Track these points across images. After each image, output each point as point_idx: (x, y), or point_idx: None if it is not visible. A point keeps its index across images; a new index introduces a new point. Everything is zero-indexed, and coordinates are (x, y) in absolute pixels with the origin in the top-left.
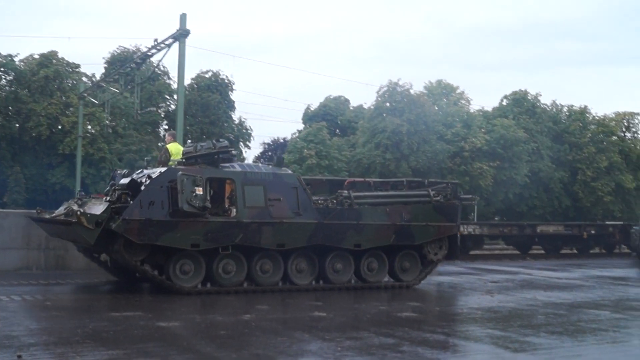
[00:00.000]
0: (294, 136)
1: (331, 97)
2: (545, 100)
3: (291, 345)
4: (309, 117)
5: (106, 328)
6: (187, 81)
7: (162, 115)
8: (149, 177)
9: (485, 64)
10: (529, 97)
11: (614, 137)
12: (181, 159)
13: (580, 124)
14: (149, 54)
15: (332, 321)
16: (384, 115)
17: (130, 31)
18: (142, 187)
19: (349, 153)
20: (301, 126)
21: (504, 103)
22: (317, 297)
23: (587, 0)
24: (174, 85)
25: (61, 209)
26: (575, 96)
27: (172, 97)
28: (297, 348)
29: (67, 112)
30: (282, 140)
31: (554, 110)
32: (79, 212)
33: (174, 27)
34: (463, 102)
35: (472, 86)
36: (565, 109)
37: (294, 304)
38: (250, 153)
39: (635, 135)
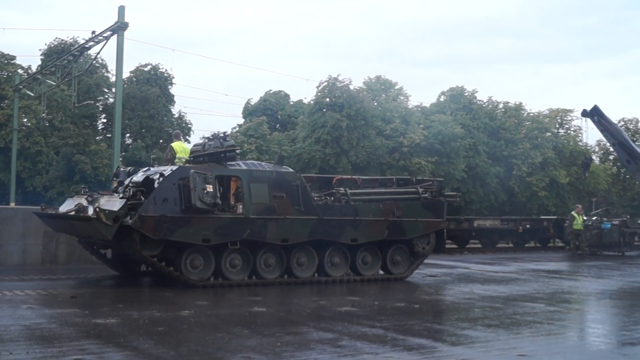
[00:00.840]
0: (234, 130)
1: (271, 92)
2: (482, 96)
3: (230, 341)
4: (249, 111)
5: (40, 325)
6: (125, 74)
7: (100, 109)
8: (162, 174)
9: (422, 60)
10: (466, 94)
11: (548, 134)
12: (189, 157)
13: (516, 121)
14: (87, 46)
15: (271, 316)
16: (324, 110)
17: (67, 23)
18: (156, 185)
19: (289, 148)
20: (241, 120)
21: (442, 99)
22: (257, 292)
23: None
24: (113, 79)
25: (68, 205)
26: (510, 93)
27: (111, 90)
28: (236, 344)
29: (2, 104)
30: (222, 135)
31: (490, 106)
32: (98, 209)
33: (112, 19)
34: (402, 98)
35: (410, 82)
36: (501, 106)
37: (233, 300)
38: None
39: (569, 131)
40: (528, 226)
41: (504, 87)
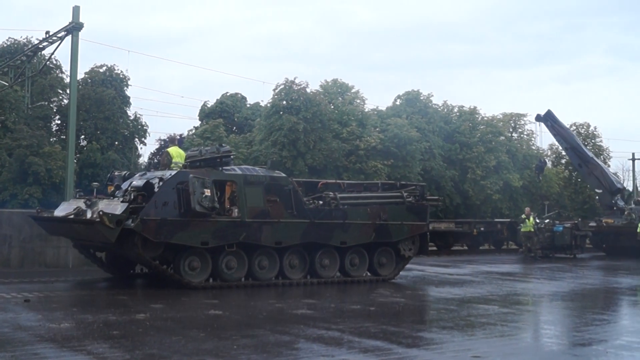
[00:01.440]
0: (191, 133)
1: (228, 94)
2: (437, 100)
3: (186, 344)
4: (206, 113)
5: None
6: (80, 75)
7: (55, 110)
8: (161, 179)
9: (378, 64)
10: (422, 98)
11: (502, 138)
12: (186, 162)
13: (470, 124)
14: (41, 46)
15: (228, 319)
16: (281, 113)
17: (21, 23)
18: (156, 189)
19: (246, 150)
20: (198, 123)
21: (398, 103)
22: (214, 295)
23: (473, 4)
24: (67, 80)
25: (65, 209)
26: (465, 97)
27: (65, 91)
28: (192, 347)
29: None
30: (178, 137)
31: (445, 110)
32: (101, 212)
33: (67, 19)
34: (358, 101)
35: (367, 86)
36: (455, 110)
37: (189, 303)
38: (146, 149)
39: (522, 135)
40: (482, 229)
41: (459, 92)
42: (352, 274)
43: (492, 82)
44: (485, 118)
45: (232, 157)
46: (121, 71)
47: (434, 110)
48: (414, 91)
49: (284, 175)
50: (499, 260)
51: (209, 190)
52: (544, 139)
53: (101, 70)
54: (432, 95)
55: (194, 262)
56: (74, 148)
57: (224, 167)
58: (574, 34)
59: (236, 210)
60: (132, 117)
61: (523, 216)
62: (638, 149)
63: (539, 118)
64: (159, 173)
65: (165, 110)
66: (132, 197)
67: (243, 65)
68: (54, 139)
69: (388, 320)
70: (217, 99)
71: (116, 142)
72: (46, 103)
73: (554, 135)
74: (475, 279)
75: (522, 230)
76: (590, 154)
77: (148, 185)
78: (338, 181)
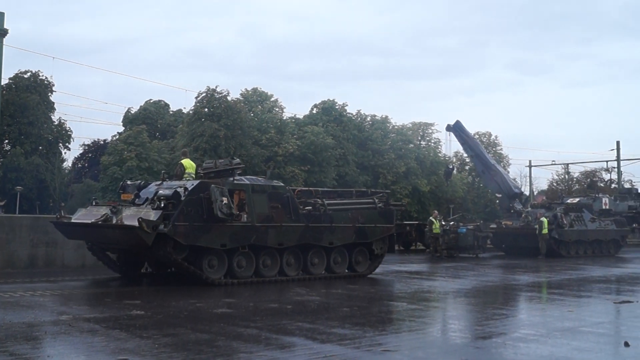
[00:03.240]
0: (114, 138)
1: (151, 101)
2: (351, 109)
3: (108, 344)
4: (130, 119)
5: None
6: (4, 81)
7: None
8: (186, 188)
9: (296, 75)
10: (337, 107)
11: (411, 145)
12: (200, 172)
13: (382, 133)
14: None
15: (149, 319)
16: (203, 120)
17: None
18: (182, 198)
19: (168, 156)
20: (121, 129)
21: (314, 111)
22: (134, 295)
23: (385, 20)
24: None
25: (86, 215)
26: (377, 107)
27: None
28: (114, 346)
29: None
30: (102, 142)
31: (359, 119)
32: (141, 219)
33: None
34: (277, 109)
35: (285, 95)
36: (368, 119)
37: (110, 303)
38: (70, 154)
39: (430, 143)
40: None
41: (372, 101)
42: (336, 271)
43: (402, 93)
44: (396, 127)
45: (242, 167)
46: (46, 77)
47: (349, 119)
48: (329, 101)
49: (282, 184)
50: (408, 260)
51: (226, 198)
52: (450, 147)
53: (26, 76)
54: (347, 105)
55: (213, 261)
56: None
57: (236, 178)
58: (478, 50)
59: (245, 215)
60: (56, 123)
61: (431, 219)
62: (534, 157)
63: (449, 128)
64: (175, 183)
65: (89, 116)
66: (162, 204)
67: (166, 73)
68: None
69: (304, 318)
70: (140, 106)
71: (40, 147)
72: None
73: (462, 144)
74: (386, 278)
75: (433, 231)
76: (493, 161)
77: (176, 194)
78: (310, 189)
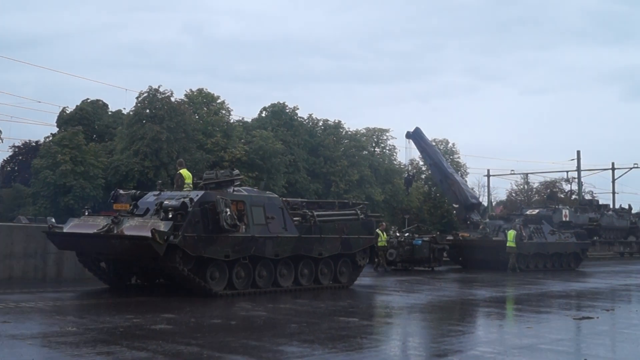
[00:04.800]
0: (48, 140)
1: (88, 101)
2: (302, 113)
3: None
4: (64, 120)
5: None
6: None
7: None
8: (191, 199)
9: (244, 76)
10: (287, 110)
11: (365, 152)
12: (201, 183)
13: (335, 138)
14: None
15: (82, 336)
16: (144, 121)
17: None
18: (189, 208)
19: (106, 160)
20: (55, 129)
21: (263, 115)
22: (67, 311)
23: (337, 20)
24: None
25: (83, 225)
26: (330, 111)
27: None
28: None
29: None
30: (34, 144)
31: (310, 124)
32: (154, 230)
33: None
34: (223, 112)
35: (232, 97)
36: (320, 123)
37: (42, 319)
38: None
39: (384, 150)
40: None
41: (324, 106)
42: (322, 282)
43: (355, 97)
44: (349, 132)
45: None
46: None
47: (299, 123)
48: (279, 104)
49: (276, 195)
50: (363, 272)
51: (229, 209)
52: (409, 155)
53: None
54: (298, 109)
55: (215, 272)
56: None
57: (236, 188)
58: (434, 53)
59: (244, 226)
60: None
61: (377, 231)
62: (493, 166)
63: (408, 135)
64: (177, 193)
65: (20, 115)
66: (170, 215)
67: (105, 71)
68: None
69: (249, 335)
70: (76, 105)
71: None
72: None
73: (421, 152)
74: (339, 292)
75: (378, 243)
76: (451, 170)
77: (184, 205)
78: (297, 199)
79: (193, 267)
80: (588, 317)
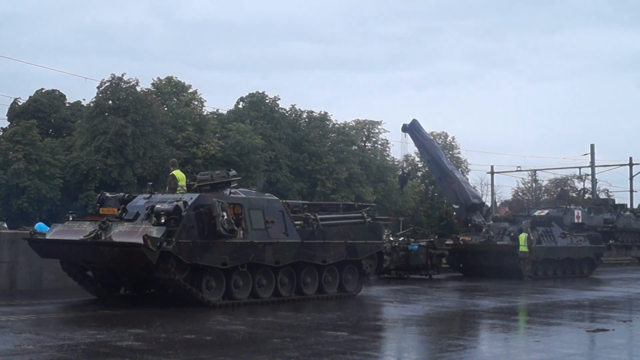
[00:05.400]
0: None
1: (43, 91)
2: (284, 104)
3: None
4: (16, 113)
5: None
6: None
7: None
8: (185, 202)
9: (219, 63)
10: (267, 101)
11: (355, 147)
12: (196, 185)
13: (320, 132)
14: None
15: (39, 355)
16: (106, 114)
17: None
18: (183, 213)
19: (64, 157)
20: (6, 124)
21: (240, 106)
22: (23, 327)
23: (321, 0)
24: None
25: (68, 231)
26: (315, 101)
27: None
28: None
29: None
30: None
31: (293, 116)
32: (146, 236)
33: None
34: (196, 103)
35: (205, 86)
36: (305, 115)
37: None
38: None
39: (376, 145)
40: None
41: (308, 95)
42: (327, 291)
43: (343, 86)
44: (337, 125)
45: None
46: None
47: (281, 115)
48: (258, 93)
49: (276, 197)
50: None
51: (226, 213)
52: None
53: None
54: (279, 99)
55: (211, 282)
56: None
57: (232, 190)
58: (430, 37)
59: (241, 231)
60: None
61: None
62: (497, 162)
63: (404, 128)
64: (170, 196)
65: None
66: (162, 220)
67: (62, 58)
68: None
69: (226, 351)
70: (30, 96)
71: None
72: None
73: (418, 147)
74: (325, 303)
75: None
76: (451, 167)
77: (177, 209)
78: (297, 201)
79: (188, 276)
80: (603, 330)
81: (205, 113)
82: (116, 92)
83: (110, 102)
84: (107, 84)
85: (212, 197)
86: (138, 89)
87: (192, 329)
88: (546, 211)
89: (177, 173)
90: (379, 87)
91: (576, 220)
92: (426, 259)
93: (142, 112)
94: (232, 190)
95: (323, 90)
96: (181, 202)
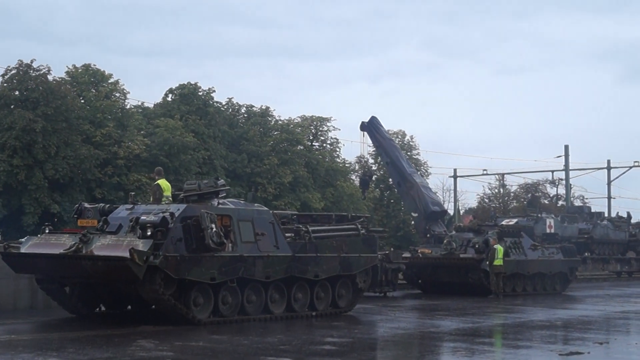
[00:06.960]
0: None
1: None
2: (220, 97)
3: None
4: None
5: None
6: None
7: None
8: (172, 214)
9: (142, 48)
10: (200, 93)
11: (300, 147)
12: (182, 195)
13: (261, 129)
14: None
15: None
16: (12, 107)
17: None
18: (170, 225)
19: None
20: None
21: (169, 99)
22: None
23: None
24: None
25: (44, 245)
26: (254, 95)
27: None
28: None
29: None
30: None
31: (230, 110)
32: (132, 249)
33: None
34: (118, 95)
35: (128, 75)
36: (243, 110)
37: None
38: None
39: (325, 145)
40: None
41: (247, 87)
42: (318, 307)
43: (286, 77)
44: (280, 122)
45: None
46: None
47: (216, 110)
48: (189, 85)
49: (265, 208)
50: None
51: (214, 225)
52: (362, 150)
53: None
54: (214, 91)
55: (198, 298)
56: None
57: (220, 201)
58: (383, 22)
59: (230, 244)
60: None
61: None
62: (461, 164)
63: (363, 127)
64: (155, 207)
65: None
66: (148, 232)
67: None
68: None
69: None
70: None
71: None
72: None
73: (376, 147)
74: (270, 324)
75: None
76: (411, 170)
77: (164, 221)
78: (286, 212)
79: (175, 291)
80: (577, 353)
81: (128, 107)
82: (24, 82)
83: (16, 92)
84: (12, 72)
85: (200, 208)
86: (50, 77)
87: (110, 356)
88: (515, 220)
89: (163, 182)
90: (327, 78)
91: (548, 230)
92: (380, 274)
93: (55, 105)
94: (220, 201)
95: (263, 82)
96: (168, 213)
